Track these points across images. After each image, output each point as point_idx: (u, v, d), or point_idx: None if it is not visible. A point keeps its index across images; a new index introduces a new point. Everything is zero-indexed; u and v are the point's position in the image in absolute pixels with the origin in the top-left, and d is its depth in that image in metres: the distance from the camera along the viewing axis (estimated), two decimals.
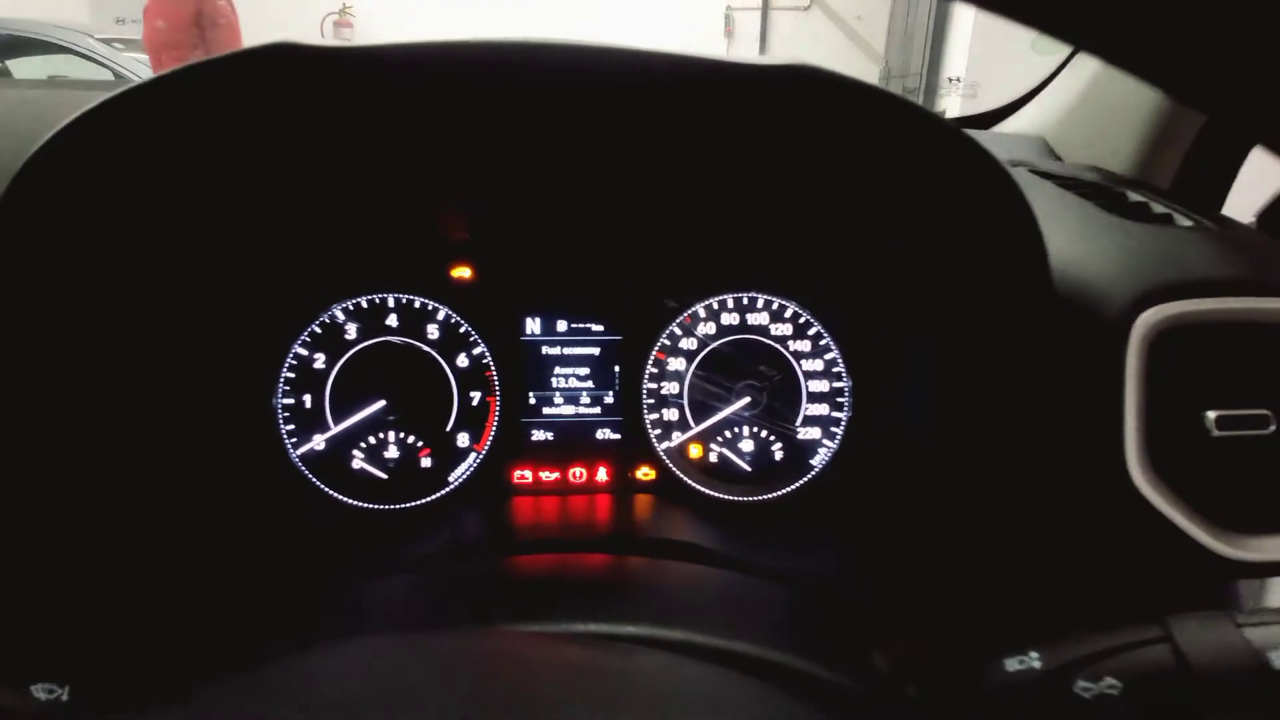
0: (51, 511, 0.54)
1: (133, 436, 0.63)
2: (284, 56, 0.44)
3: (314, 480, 0.80)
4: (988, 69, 5.49)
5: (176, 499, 0.66)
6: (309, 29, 7.85)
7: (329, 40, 0.45)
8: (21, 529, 0.52)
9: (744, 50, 8.13)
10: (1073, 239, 0.62)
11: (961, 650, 0.45)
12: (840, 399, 0.84)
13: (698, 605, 0.47)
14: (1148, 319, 0.57)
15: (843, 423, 0.84)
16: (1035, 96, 1.07)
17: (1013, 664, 0.41)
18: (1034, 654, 0.41)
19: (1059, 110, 1.00)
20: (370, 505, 0.80)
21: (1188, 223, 0.68)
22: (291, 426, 0.80)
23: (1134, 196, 0.74)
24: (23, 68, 4.59)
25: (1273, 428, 0.58)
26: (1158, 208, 0.71)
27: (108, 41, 4.57)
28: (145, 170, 0.55)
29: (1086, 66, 0.97)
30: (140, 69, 4.56)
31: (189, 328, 0.69)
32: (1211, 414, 0.58)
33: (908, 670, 0.44)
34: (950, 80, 5.73)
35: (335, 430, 0.80)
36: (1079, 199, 0.71)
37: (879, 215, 0.70)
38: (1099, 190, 0.75)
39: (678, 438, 0.84)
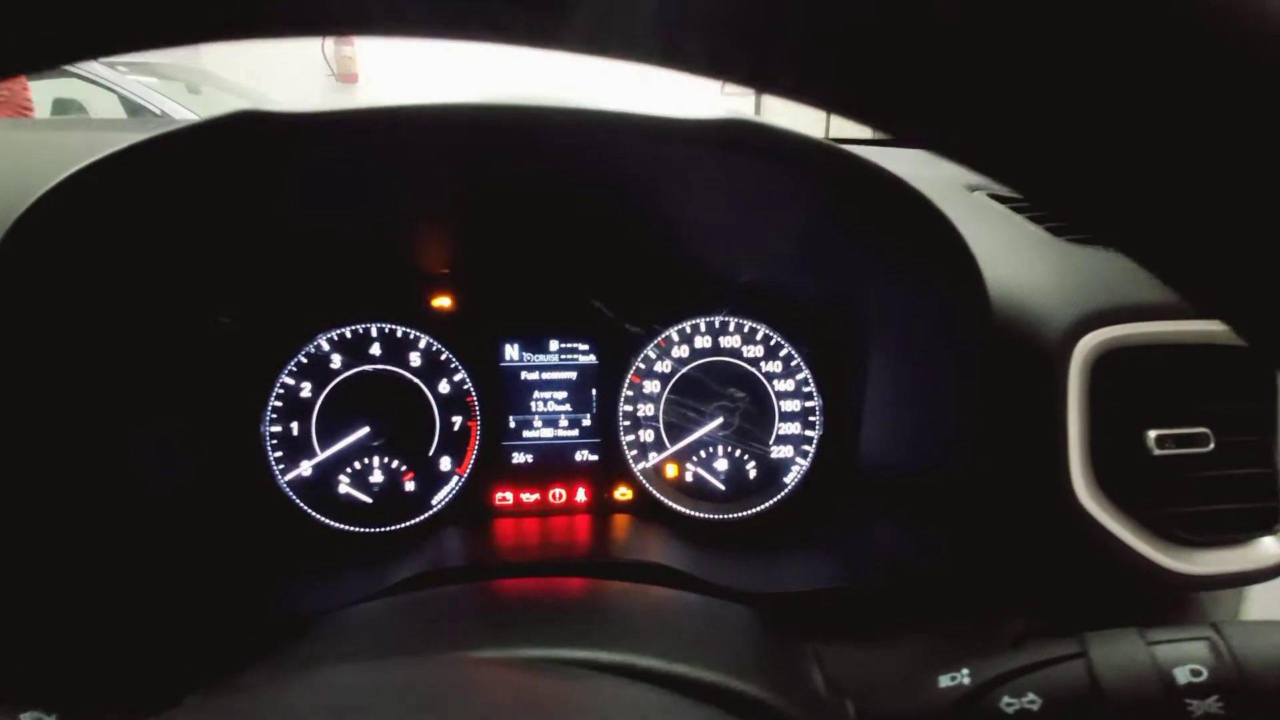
0: (41, 540, 0.56)
1: (125, 466, 0.66)
2: (250, 123, 0.47)
3: (301, 505, 0.83)
4: None
5: (166, 526, 0.69)
6: (310, 47, 7.92)
7: (295, 106, 0.48)
8: (11, 557, 0.55)
9: (740, 89, 8.19)
10: (1017, 265, 0.65)
11: (900, 668, 0.47)
12: (811, 418, 0.87)
13: (652, 628, 0.49)
14: (1088, 343, 0.59)
15: (814, 441, 0.87)
16: None
17: (945, 680, 0.44)
18: (965, 670, 0.44)
19: None
20: (356, 529, 0.83)
21: None
22: (280, 453, 0.82)
23: None
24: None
25: (1212, 445, 0.61)
26: None
27: (112, 65, 4.64)
28: (130, 219, 0.58)
29: None
30: (145, 92, 4.62)
31: (178, 358, 0.72)
32: (1152, 433, 0.60)
33: (846, 689, 0.46)
34: None
35: (322, 456, 0.83)
36: (1029, 223, 0.73)
37: (833, 247, 0.72)
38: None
39: (654, 458, 0.87)
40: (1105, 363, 0.60)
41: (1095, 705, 0.39)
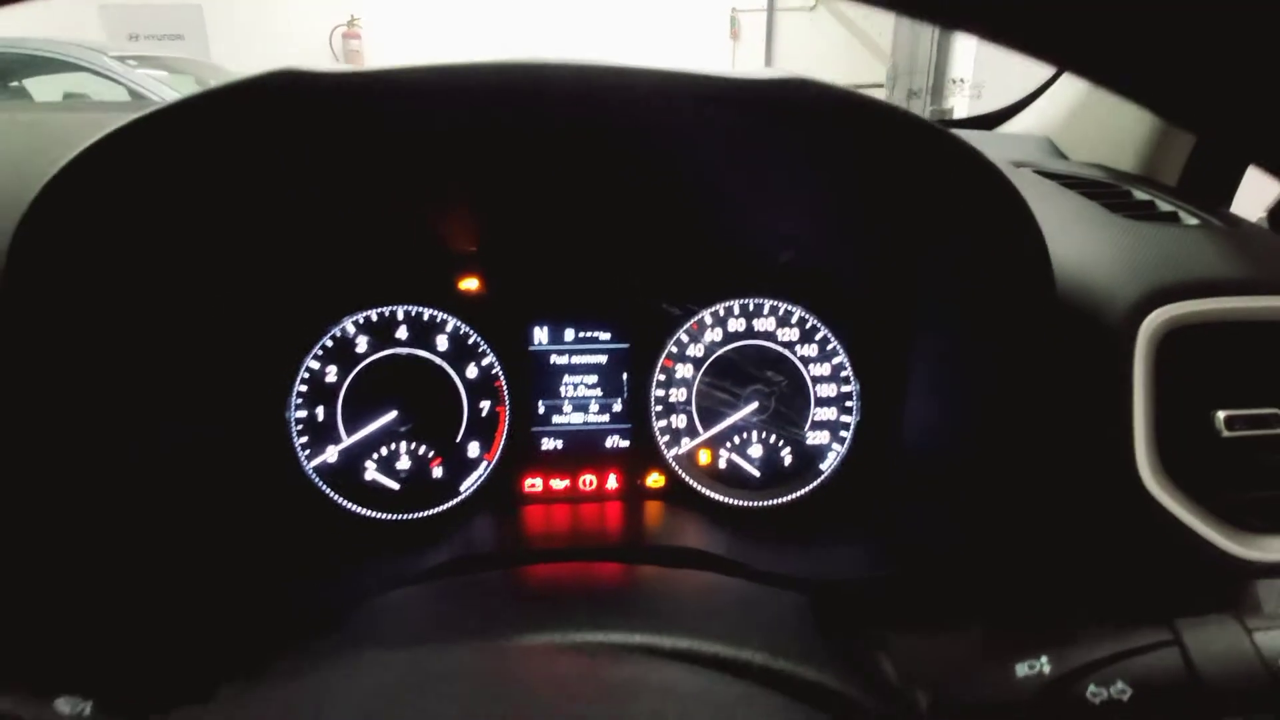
0: (73, 527, 0.55)
1: (152, 452, 0.64)
2: (287, 84, 0.45)
3: (327, 491, 0.81)
4: (994, 69, 5.46)
5: (194, 513, 0.68)
6: (318, 41, 7.93)
7: (333, 65, 0.46)
8: (45, 545, 0.54)
9: (750, 52, 8.14)
10: (1076, 240, 0.62)
11: (971, 656, 0.45)
12: (849, 403, 0.84)
13: (707, 613, 0.47)
14: (1154, 320, 0.57)
15: (851, 426, 0.84)
16: (1040, 96, 1.07)
17: (1022, 669, 0.41)
18: (1044, 659, 0.41)
19: (1064, 109, 1.00)
20: (383, 515, 0.81)
21: (1194, 221, 0.68)
22: (305, 439, 0.81)
23: (1139, 195, 0.74)
24: (40, 86, 4.67)
25: None
26: (1164, 206, 0.71)
27: (121, 59, 4.64)
28: (158, 191, 0.56)
29: None
30: (154, 85, 4.62)
31: (202, 343, 0.70)
32: (1221, 414, 0.58)
33: (918, 678, 0.44)
34: (955, 81, 5.70)
35: (348, 442, 0.81)
36: (1083, 199, 0.70)
37: (883, 221, 0.70)
38: (1104, 189, 0.75)
39: (686, 444, 0.85)
40: (1172, 340, 0.57)
41: (1192, 694, 0.37)
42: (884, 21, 7.64)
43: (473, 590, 0.57)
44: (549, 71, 0.49)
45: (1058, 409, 0.59)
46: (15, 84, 4.65)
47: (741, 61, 8.04)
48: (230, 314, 0.73)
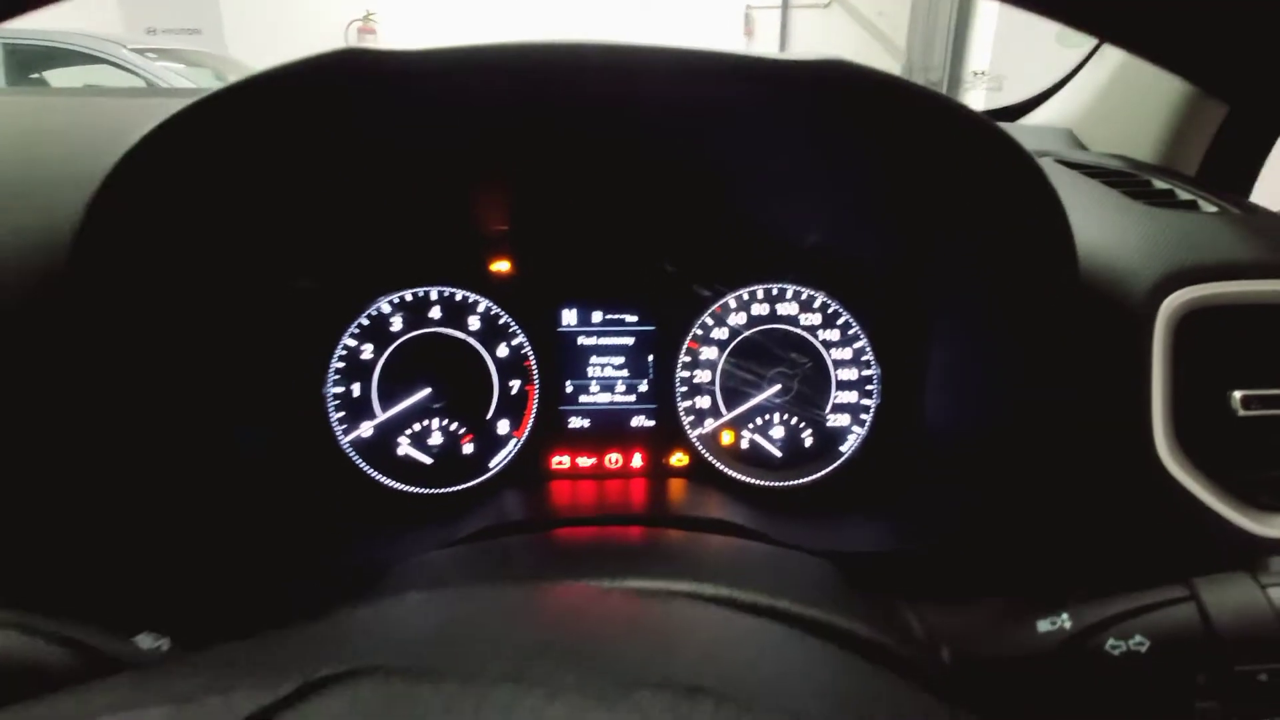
0: (148, 481, 0.58)
1: (202, 421, 0.67)
2: (352, 63, 0.47)
3: (362, 465, 0.84)
4: (1011, 62, 5.44)
5: (246, 479, 0.71)
6: (334, 35, 7.98)
7: (393, 45, 0.48)
8: (127, 495, 0.57)
9: (763, 50, 8.13)
10: (1098, 225, 0.64)
11: (994, 616, 0.47)
12: (869, 386, 0.86)
13: (737, 569, 0.49)
14: (1173, 301, 0.58)
15: (871, 409, 0.86)
16: (1061, 89, 1.08)
17: (1044, 625, 0.43)
18: (1065, 615, 0.43)
19: (1085, 102, 1.01)
20: (416, 489, 0.84)
21: (1213, 208, 0.69)
22: (341, 414, 0.83)
23: (1159, 184, 0.75)
24: (59, 78, 4.73)
25: None
26: (1183, 194, 0.72)
27: (140, 51, 4.70)
28: (218, 171, 0.59)
29: (1111, 58, 0.98)
30: (172, 78, 4.68)
31: (251, 320, 0.73)
32: (1237, 394, 0.59)
33: (941, 633, 0.46)
34: (975, 74, 5.67)
35: (382, 417, 0.84)
36: (1104, 186, 0.72)
37: (909, 206, 0.72)
38: (1124, 178, 0.76)
39: (710, 424, 0.87)
40: (1190, 322, 0.59)
41: (1206, 645, 0.39)
42: (899, 18, 7.62)
43: (508, 549, 0.60)
44: (594, 51, 0.51)
45: (1079, 389, 0.61)
46: (35, 75, 4.71)
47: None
48: (276, 291, 0.76)
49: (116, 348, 0.57)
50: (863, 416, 0.86)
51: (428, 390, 0.84)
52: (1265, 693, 0.38)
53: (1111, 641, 0.41)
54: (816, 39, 8.05)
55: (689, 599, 0.41)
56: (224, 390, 0.70)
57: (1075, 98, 1.04)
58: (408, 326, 0.84)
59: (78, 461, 0.55)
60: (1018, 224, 0.60)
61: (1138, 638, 0.40)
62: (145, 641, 0.41)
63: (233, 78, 0.50)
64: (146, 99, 0.94)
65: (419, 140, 0.63)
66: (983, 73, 5.56)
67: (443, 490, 0.84)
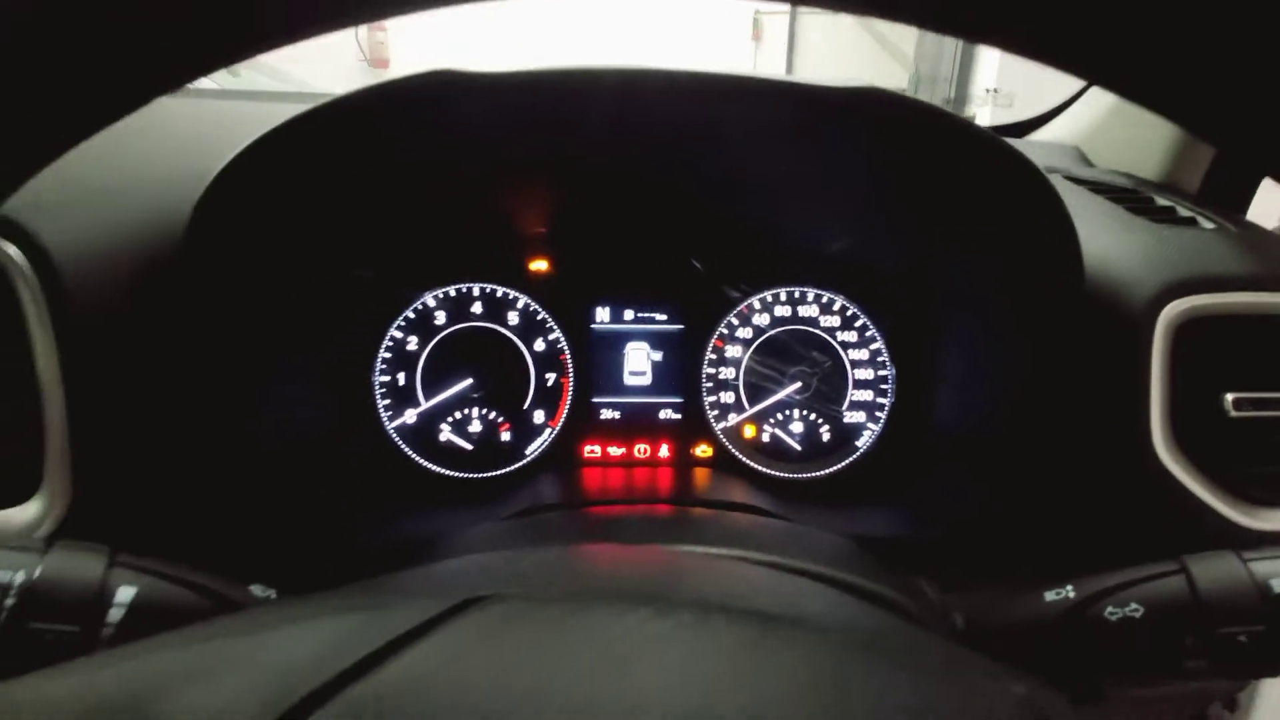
0: (236, 454, 0.65)
1: (279, 399, 0.73)
2: (444, 82, 0.52)
3: (406, 450, 0.89)
4: (1018, 77, 5.48)
5: (308, 459, 0.76)
6: (344, 34, 8.02)
7: (483, 66, 0.53)
8: (224, 464, 0.64)
9: (771, 54, 8.16)
10: (1103, 238, 0.69)
11: (1002, 588, 0.52)
12: (884, 385, 0.92)
13: (761, 538, 0.55)
14: (1172, 310, 0.64)
15: (886, 407, 0.91)
16: (1069, 107, 1.14)
17: (1050, 595, 0.49)
18: (1069, 587, 0.49)
19: (1091, 120, 1.06)
20: (456, 474, 0.89)
21: (1211, 225, 0.74)
22: (387, 401, 0.89)
23: (1161, 200, 0.80)
24: None
25: None
26: (1183, 211, 0.78)
27: None
28: (314, 174, 0.64)
29: None
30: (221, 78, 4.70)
31: (315, 305, 0.78)
32: (1229, 396, 0.64)
33: (954, 603, 0.52)
34: (988, 91, 5.73)
35: (425, 405, 0.89)
36: (1109, 202, 0.77)
37: (925, 217, 0.77)
38: (1128, 194, 0.82)
39: (734, 419, 0.92)
40: (1187, 330, 0.64)
41: (1194, 612, 0.44)
42: (908, 28, 7.65)
43: (547, 522, 0.65)
44: (646, 76, 0.57)
45: (1083, 390, 0.66)
46: None
47: (763, 63, 8.06)
48: (339, 279, 0.81)
49: (219, 327, 0.63)
50: (877, 414, 0.92)
51: (469, 381, 0.89)
52: (1245, 652, 0.43)
53: (1110, 609, 0.46)
54: (824, 45, 8.08)
55: (740, 560, 0.46)
56: (293, 371, 0.75)
57: (1082, 115, 1.09)
58: (451, 320, 0.89)
59: (191, 436, 0.61)
60: (1030, 237, 0.65)
61: (1133, 605, 0.45)
62: (258, 590, 0.47)
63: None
64: (232, 101, 1.00)
65: (480, 152, 0.69)
66: (995, 90, 5.62)
67: (482, 475, 0.89)
